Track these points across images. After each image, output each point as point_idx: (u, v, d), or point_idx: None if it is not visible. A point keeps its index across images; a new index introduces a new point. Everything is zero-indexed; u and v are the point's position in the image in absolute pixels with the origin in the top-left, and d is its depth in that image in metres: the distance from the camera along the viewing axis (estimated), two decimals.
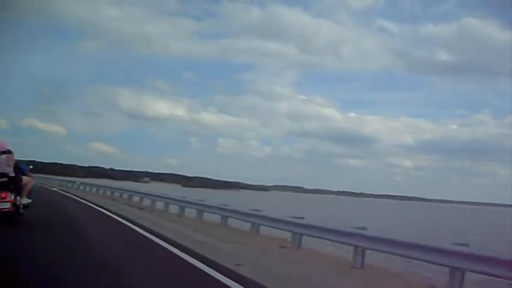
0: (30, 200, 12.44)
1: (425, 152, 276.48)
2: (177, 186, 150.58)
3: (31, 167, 16.00)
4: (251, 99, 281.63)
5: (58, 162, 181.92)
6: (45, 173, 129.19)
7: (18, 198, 11.73)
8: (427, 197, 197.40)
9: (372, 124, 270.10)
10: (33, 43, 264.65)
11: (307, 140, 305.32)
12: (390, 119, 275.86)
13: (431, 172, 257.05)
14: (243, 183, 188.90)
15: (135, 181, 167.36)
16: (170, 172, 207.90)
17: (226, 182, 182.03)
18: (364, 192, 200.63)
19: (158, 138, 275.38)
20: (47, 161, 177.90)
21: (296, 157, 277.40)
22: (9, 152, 11.60)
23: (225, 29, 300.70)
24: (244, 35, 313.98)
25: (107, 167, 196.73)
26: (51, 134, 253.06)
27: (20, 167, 12.34)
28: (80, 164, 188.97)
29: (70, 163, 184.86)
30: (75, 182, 46.23)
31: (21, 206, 11.84)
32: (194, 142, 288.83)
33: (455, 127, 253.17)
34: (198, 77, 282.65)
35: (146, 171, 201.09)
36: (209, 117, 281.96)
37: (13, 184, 11.56)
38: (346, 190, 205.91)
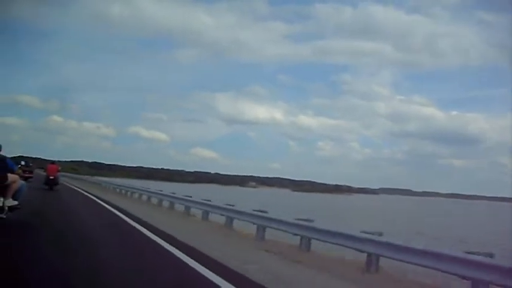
0: (17, 202, 10.66)
1: None
2: (287, 191, 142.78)
3: (23, 162, 13.69)
4: (349, 101, 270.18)
5: (165, 168, 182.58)
6: (149, 178, 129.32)
7: (1, 199, 10.32)
8: None
9: (476, 122, 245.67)
10: (135, 55, 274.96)
11: (408, 141, 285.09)
12: (495, 117, 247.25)
13: None
14: (354, 187, 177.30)
15: (242, 186, 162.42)
16: (275, 176, 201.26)
17: (336, 185, 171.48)
18: (476, 194, 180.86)
19: (257, 142, 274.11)
20: (154, 167, 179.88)
21: (398, 158, 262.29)
22: None
23: (317, 30, 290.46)
24: (337, 36, 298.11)
25: (212, 172, 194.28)
26: (155, 141, 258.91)
27: (7, 163, 10.62)
28: (186, 170, 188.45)
29: (176, 168, 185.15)
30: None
31: (5, 208, 10.37)
32: (293, 145, 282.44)
33: None
34: (294, 80, 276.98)
35: (252, 176, 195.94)
36: (307, 120, 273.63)
37: None
38: (456, 192, 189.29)
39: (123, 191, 32.10)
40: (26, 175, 34.73)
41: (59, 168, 30.94)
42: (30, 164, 40.33)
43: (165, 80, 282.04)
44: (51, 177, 28.00)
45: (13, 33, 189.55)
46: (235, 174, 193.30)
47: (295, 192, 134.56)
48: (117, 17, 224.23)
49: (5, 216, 10.40)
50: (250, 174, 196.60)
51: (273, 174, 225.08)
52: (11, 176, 10.64)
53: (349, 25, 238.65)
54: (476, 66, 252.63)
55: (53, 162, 30.64)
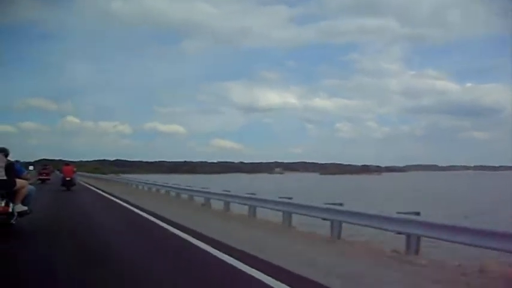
0: (26, 208, 10.39)
1: None
2: (315, 175, 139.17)
3: (31, 167, 12.77)
4: (361, 80, 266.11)
5: (188, 160, 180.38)
6: (174, 172, 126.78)
7: (10, 205, 9.99)
8: None
9: (492, 93, 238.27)
10: (142, 50, 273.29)
11: (425, 116, 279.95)
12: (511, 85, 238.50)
13: None
14: (382, 167, 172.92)
15: (268, 173, 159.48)
16: (299, 161, 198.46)
17: (364, 166, 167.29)
18: (504, 164, 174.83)
19: (275, 128, 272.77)
20: (177, 160, 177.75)
21: (418, 134, 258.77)
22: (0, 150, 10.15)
23: (320, 11, 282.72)
24: (341, 15, 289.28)
25: (236, 161, 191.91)
26: (173, 135, 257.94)
27: (15, 168, 10.30)
28: (209, 161, 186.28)
29: (199, 160, 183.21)
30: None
31: (15, 214, 10.03)
32: (312, 129, 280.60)
33: None
34: (303, 63, 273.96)
35: (276, 162, 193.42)
36: (322, 102, 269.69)
37: (3, 188, 9.90)
38: (483, 164, 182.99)
39: (161, 190, 26.51)
40: (44, 177, 38.08)
41: (75, 169, 31.90)
42: (47, 166, 43.19)
43: (175, 73, 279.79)
44: (68, 179, 28.71)
45: (20, 36, 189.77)
46: (259, 161, 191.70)
47: (324, 176, 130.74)
48: (121, 13, 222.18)
49: (14, 222, 10.10)
50: (274, 161, 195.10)
51: (295, 159, 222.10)
52: (19, 181, 10.31)
53: (352, 3, 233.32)
54: (486, 35, 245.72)
55: (67, 163, 31.43)
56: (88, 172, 69.29)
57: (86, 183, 39.88)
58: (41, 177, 37.73)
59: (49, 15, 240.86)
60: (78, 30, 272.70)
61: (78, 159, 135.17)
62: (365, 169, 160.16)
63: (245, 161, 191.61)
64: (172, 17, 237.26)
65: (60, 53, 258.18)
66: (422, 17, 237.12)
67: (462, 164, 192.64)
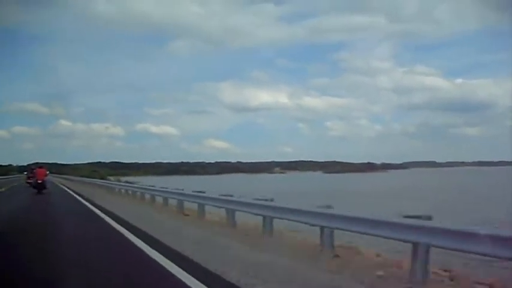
0: None
1: None
2: (320, 174, 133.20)
3: None
4: (351, 78, 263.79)
5: (184, 161, 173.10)
6: (173, 174, 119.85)
7: None
8: None
9: (483, 88, 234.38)
10: (131, 52, 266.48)
11: (418, 113, 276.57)
12: (502, 80, 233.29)
13: None
14: (387, 164, 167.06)
15: (269, 172, 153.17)
16: (296, 159, 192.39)
17: (369, 163, 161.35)
18: (503, 160, 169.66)
19: (268, 127, 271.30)
20: (172, 161, 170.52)
21: (412, 131, 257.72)
22: None
23: (308, 9, 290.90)
24: (329, 13, 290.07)
25: (233, 161, 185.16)
26: (167, 136, 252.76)
27: None
28: (206, 161, 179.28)
29: (196, 161, 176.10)
30: None
31: None
32: (304, 127, 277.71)
33: None
34: (293, 61, 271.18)
35: (273, 161, 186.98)
36: (313, 101, 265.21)
37: None
38: (482, 160, 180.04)
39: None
40: (30, 181, 38.09)
41: (47, 172, 32.63)
42: (35, 170, 40.74)
43: (164, 74, 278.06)
44: (39, 181, 28.89)
45: (7, 40, 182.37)
46: (256, 161, 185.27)
47: (331, 175, 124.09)
48: (109, 14, 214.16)
49: None
50: (272, 160, 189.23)
51: (289, 158, 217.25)
52: None
53: (340, 0, 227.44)
54: (475, 30, 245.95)
55: (41, 166, 32.00)
56: (86, 177, 60.75)
57: (92, 202, 22.30)
58: (29, 181, 38.79)
59: (36, 17, 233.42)
60: (67, 33, 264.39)
61: (72, 162, 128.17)
62: (370, 166, 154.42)
63: (242, 161, 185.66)
64: (159, 18, 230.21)
65: (49, 56, 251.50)
66: (410, 14, 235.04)
67: (460, 160, 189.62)
